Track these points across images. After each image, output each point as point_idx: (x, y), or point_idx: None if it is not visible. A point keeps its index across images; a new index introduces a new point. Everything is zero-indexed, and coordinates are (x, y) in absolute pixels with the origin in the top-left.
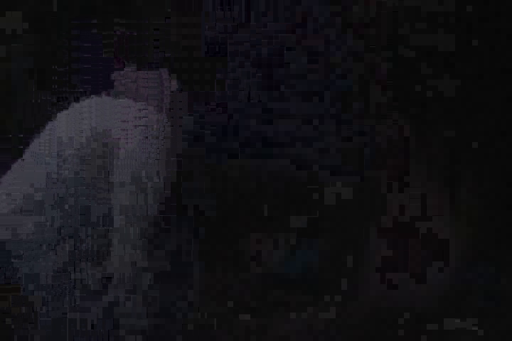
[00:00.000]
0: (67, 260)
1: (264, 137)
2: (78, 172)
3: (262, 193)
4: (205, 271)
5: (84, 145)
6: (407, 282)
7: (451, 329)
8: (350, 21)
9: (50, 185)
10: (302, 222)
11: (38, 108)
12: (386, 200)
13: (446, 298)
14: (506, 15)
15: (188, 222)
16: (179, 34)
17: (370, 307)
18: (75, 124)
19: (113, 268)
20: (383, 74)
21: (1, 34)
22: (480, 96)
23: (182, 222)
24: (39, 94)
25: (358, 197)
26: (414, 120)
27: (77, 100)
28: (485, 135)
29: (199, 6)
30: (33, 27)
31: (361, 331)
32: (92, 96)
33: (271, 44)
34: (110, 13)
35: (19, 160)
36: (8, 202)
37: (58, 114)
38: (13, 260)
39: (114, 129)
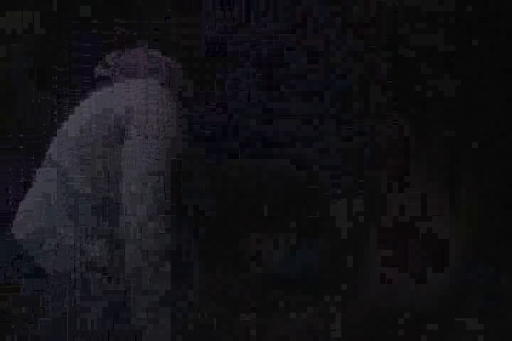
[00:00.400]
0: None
1: (264, 137)
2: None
3: (262, 193)
4: (205, 271)
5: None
6: (407, 282)
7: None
8: (350, 21)
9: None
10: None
11: (38, 108)
12: (386, 200)
13: (446, 298)
14: (506, 15)
15: (188, 222)
16: (179, 34)
17: (370, 307)
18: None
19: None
20: (383, 74)
21: (0, 34)
22: (480, 96)
23: (182, 222)
24: (39, 94)
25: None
26: (414, 120)
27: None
28: (485, 135)
29: (199, 6)
30: (33, 27)
31: (361, 331)
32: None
33: (271, 44)
34: (110, 13)
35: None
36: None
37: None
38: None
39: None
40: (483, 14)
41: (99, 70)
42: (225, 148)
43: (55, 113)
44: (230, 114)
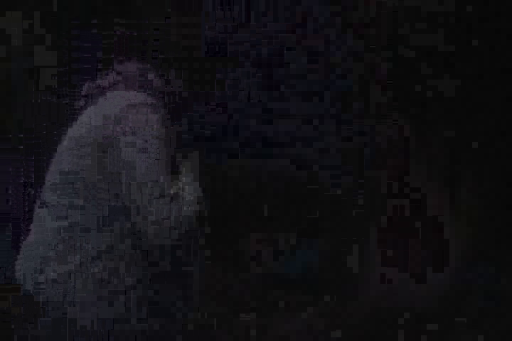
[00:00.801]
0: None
1: (264, 137)
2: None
3: (262, 193)
4: (205, 271)
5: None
6: (407, 282)
7: None
8: (350, 21)
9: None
10: None
11: (38, 108)
12: (386, 200)
13: (446, 298)
14: (506, 15)
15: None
16: (179, 34)
17: (370, 307)
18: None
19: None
20: (383, 74)
21: (0, 34)
22: (480, 96)
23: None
24: (39, 94)
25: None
26: (414, 120)
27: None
28: (485, 135)
29: (199, 6)
30: (33, 27)
31: (361, 331)
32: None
33: (271, 44)
34: (110, 13)
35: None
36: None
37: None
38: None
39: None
40: (483, 14)
41: (79, 102)
42: (225, 148)
43: (55, 113)
44: (230, 114)
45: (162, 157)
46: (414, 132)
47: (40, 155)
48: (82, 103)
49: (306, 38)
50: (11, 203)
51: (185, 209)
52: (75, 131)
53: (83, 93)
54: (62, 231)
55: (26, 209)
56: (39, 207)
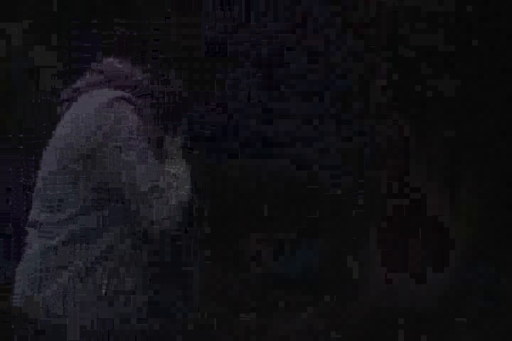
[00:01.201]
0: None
1: (264, 137)
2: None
3: (262, 193)
4: (205, 271)
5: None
6: (407, 282)
7: None
8: (350, 21)
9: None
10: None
11: (37, 108)
12: (386, 200)
13: (446, 298)
14: (506, 15)
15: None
16: (179, 34)
17: (370, 307)
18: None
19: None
20: (383, 74)
21: (1, 34)
22: (480, 96)
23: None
24: (39, 94)
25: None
26: (414, 120)
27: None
28: (485, 135)
29: (199, 6)
30: (33, 27)
31: (361, 331)
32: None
33: (271, 44)
34: (110, 13)
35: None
36: None
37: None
38: None
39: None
40: (483, 14)
41: (59, 108)
42: (225, 148)
43: (55, 113)
44: (230, 114)
45: (147, 152)
46: (414, 132)
47: (40, 156)
48: (62, 109)
49: (306, 38)
50: (11, 203)
51: (177, 199)
52: (55, 141)
53: (63, 98)
54: (49, 250)
55: (26, 210)
56: (28, 227)
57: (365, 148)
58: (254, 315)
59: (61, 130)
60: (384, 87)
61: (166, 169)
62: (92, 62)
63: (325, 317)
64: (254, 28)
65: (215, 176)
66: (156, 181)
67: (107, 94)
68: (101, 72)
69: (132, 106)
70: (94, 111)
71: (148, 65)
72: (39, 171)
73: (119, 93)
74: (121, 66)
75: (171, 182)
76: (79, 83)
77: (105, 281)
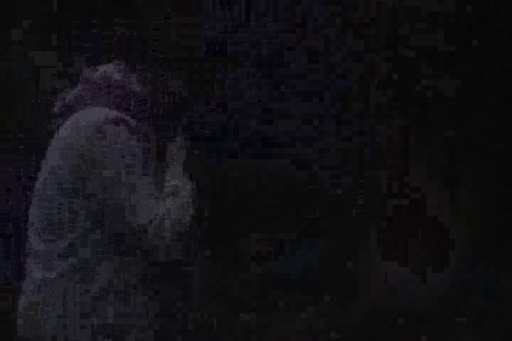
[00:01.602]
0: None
1: (264, 137)
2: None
3: (262, 193)
4: (205, 271)
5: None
6: (407, 282)
7: None
8: (350, 21)
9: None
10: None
11: (38, 108)
12: (386, 200)
13: (446, 298)
14: (506, 15)
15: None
16: (179, 34)
17: (370, 307)
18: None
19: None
20: (383, 74)
21: (1, 34)
22: (480, 96)
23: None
24: (39, 94)
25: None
26: (414, 120)
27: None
28: (485, 135)
29: (199, 6)
30: (33, 27)
31: (361, 331)
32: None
33: (271, 44)
34: (110, 13)
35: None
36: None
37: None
38: None
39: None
40: (483, 14)
41: (53, 124)
42: (225, 148)
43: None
44: (230, 114)
45: (142, 180)
46: (414, 132)
47: (40, 156)
48: (56, 124)
49: (306, 38)
50: (11, 203)
51: (181, 208)
52: (48, 167)
53: (55, 112)
54: (48, 282)
55: (26, 210)
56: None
57: (365, 148)
58: (254, 315)
59: (52, 158)
60: (384, 87)
61: (166, 193)
62: (83, 70)
63: (325, 317)
64: (254, 28)
65: (215, 176)
66: (154, 213)
67: (99, 115)
68: (93, 83)
69: (126, 128)
70: (86, 140)
71: (148, 74)
72: (34, 197)
73: (111, 114)
74: (116, 76)
75: (169, 210)
76: (71, 97)
77: (109, 315)
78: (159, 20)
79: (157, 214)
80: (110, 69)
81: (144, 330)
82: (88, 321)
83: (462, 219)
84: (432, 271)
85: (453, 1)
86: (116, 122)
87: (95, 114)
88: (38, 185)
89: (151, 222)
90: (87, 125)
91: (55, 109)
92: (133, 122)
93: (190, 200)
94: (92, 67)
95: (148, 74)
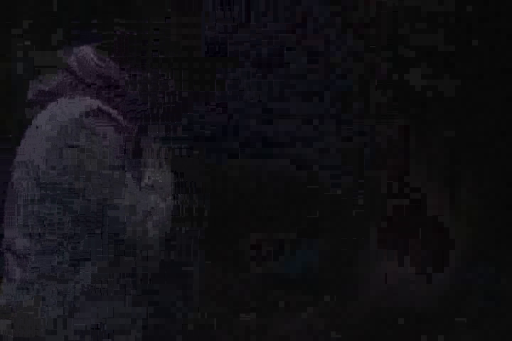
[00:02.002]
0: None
1: (264, 137)
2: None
3: (262, 193)
4: (205, 271)
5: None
6: (407, 282)
7: None
8: (350, 21)
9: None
10: None
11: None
12: (386, 200)
13: (446, 298)
14: (506, 15)
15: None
16: (179, 34)
17: (370, 307)
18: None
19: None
20: (383, 74)
21: (1, 34)
22: (480, 96)
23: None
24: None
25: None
26: (414, 120)
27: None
28: (485, 135)
29: (199, 6)
30: (33, 27)
31: (361, 331)
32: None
33: (271, 44)
34: (110, 13)
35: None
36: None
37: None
38: None
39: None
40: (483, 14)
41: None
42: (225, 148)
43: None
44: (230, 114)
45: (123, 175)
46: (414, 132)
47: None
48: (31, 111)
49: (306, 38)
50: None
51: (163, 202)
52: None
53: (30, 98)
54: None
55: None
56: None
57: (365, 148)
58: (254, 315)
59: (28, 148)
60: (384, 87)
61: (146, 187)
62: (58, 51)
63: (325, 317)
64: (254, 28)
65: (215, 176)
66: (137, 207)
67: (78, 106)
68: (71, 71)
69: (106, 120)
70: (63, 132)
71: (128, 64)
72: (9, 192)
73: (91, 104)
74: (94, 61)
75: (151, 204)
76: (48, 84)
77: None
78: (159, 20)
79: (140, 208)
80: (87, 54)
81: (139, 331)
82: (71, 321)
83: (462, 219)
84: (432, 271)
85: (453, 1)
86: (97, 114)
87: (73, 104)
88: (14, 178)
89: (134, 215)
90: (66, 119)
91: (31, 95)
92: (112, 111)
93: (170, 194)
94: (67, 48)
95: (148, 74)
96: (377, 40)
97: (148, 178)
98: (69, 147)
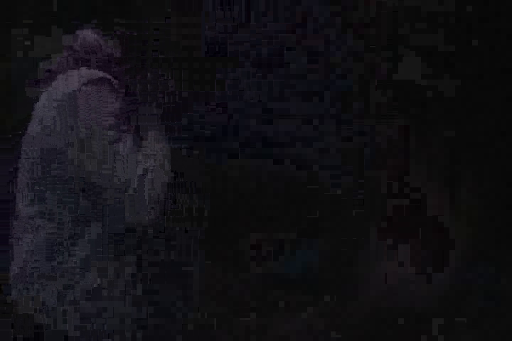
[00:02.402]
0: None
1: (264, 137)
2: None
3: (262, 193)
4: (205, 271)
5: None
6: (407, 282)
7: None
8: (350, 21)
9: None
10: None
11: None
12: (386, 200)
13: (446, 298)
14: (506, 15)
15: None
16: (179, 34)
17: (370, 307)
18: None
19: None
20: (383, 74)
21: (1, 34)
22: (480, 96)
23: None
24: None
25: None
26: (414, 120)
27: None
28: (485, 135)
29: (199, 6)
30: (33, 27)
31: (361, 331)
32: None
33: (271, 44)
34: (110, 13)
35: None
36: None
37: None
38: None
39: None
40: (483, 14)
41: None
42: (225, 148)
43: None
44: (230, 114)
45: (126, 138)
46: (414, 132)
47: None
48: (35, 91)
49: (306, 38)
50: (11, 203)
51: (160, 167)
52: (32, 129)
53: (35, 79)
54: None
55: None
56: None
57: (365, 148)
58: (254, 315)
59: (38, 120)
60: (384, 87)
61: (144, 155)
62: (63, 37)
63: (325, 317)
64: (254, 28)
65: (215, 176)
66: (135, 172)
67: (84, 75)
68: (73, 49)
69: (109, 87)
70: (73, 97)
71: (123, 39)
72: (20, 165)
73: (95, 74)
74: (94, 39)
75: (149, 169)
76: (52, 63)
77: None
78: (159, 20)
79: (137, 172)
80: (88, 35)
81: (139, 330)
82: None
83: (462, 219)
84: (432, 271)
85: (453, 1)
86: (97, 82)
87: (80, 74)
88: (24, 147)
89: (130, 179)
90: (72, 85)
91: (40, 75)
92: (115, 81)
93: (167, 161)
94: (71, 33)
95: (149, 74)
96: (377, 40)
97: (145, 146)
98: (69, 126)
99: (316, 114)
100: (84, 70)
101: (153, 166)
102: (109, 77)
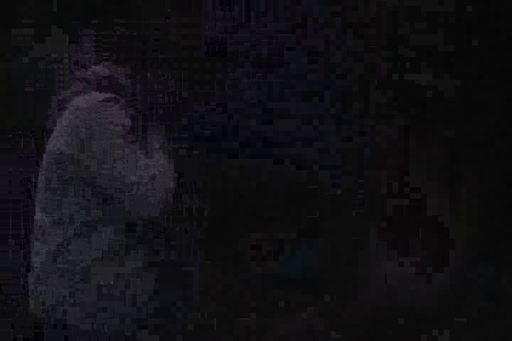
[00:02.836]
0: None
1: (264, 137)
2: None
3: (262, 193)
4: (205, 271)
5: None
6: (407, 282)
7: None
8: (350, 21)
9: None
10: None
11: (37, 108)
12: (386, 200)
13: (446, 298)
14: (506, 15)
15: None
16: (179, 34)
17: (370, 307)
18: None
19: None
20: (383, 74)
21: (1, 34)
22: (480, 96)
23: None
24: (39, 94)
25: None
26: (414, 120)
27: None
28: (485, 135)
29: (199, 6)
30: (33, 27)
31: (361, 331)
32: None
33: (271, 44)
34: (110, 13)
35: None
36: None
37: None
38: None
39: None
40: (483, 14)
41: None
42: (225, 148)
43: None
44: (230, 114)
45: (134, 148)
46: (414, 132)
47: (40, 155)
48: (51, 121)
49: (306, 38)
50: (11, 203)
51: (165, 173)
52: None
53: (50, 112)
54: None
55: (26, 210)
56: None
57: (365, 148)
58: (254, 315)
59: (55, 140)
60: (384, 86)
61: (151, 161)
62: (76, 72)
63: (325, 317)
64: (254, 28)
65: (215, 176)
66: (144, 174)
67: (95, 96)
68: (85, 80)
69: (119, 105)
70: (86, 112)
71: (133, 69)
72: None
73: (106, 94)
74: (105, 72)
75: (156, 173)
76: (63, 94)
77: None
78: (159, 20)
79: (146, 175)
80: (99, 68)
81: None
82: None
83: (462, 219)
84: (432, 271)
85: (453, 1)
86: (113, 100)
87: (91, 95)
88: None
89: (141, 180)
90: (84, 103)
91: (50, 109)
92: (122, 100)
93: (172, 171)
94: (82, 68)
95: (148, 74)
96: (377, 40)
97: (152, 156)
98: (88, 128)
99: (316, 114)
100: (94, 93)
101: (160, 171)
102: (118, 97)
